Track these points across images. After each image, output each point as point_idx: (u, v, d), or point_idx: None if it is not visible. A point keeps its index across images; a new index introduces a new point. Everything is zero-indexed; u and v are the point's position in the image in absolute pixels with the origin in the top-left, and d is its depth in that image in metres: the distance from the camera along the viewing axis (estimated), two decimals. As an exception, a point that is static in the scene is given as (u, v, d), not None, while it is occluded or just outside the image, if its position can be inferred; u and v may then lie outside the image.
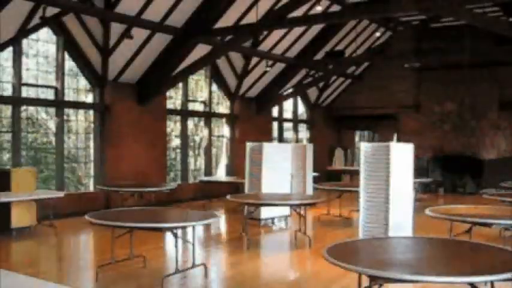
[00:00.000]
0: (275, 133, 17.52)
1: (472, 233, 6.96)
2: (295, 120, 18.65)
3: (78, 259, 7.73)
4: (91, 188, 11.80)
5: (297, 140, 18.18)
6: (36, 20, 9.54)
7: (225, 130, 15.57)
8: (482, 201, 9.51)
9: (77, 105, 11.71)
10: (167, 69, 11.93)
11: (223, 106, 15.49)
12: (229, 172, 14.99)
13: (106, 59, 11.12)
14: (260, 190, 9.70)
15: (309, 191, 11.84)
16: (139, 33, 10.84)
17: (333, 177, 17.14)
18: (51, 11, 9.39)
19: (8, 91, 10.39)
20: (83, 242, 8.83)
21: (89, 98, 11.89)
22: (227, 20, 11.80)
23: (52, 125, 11.52)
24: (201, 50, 12.05)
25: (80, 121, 12.08)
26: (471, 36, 14.01)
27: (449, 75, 16.68)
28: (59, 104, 11.12)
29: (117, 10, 10.21)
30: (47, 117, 11.87)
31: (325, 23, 14.36)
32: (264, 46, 14.14)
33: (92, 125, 11.96)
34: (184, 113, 14.13)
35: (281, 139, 17.70)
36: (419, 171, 12.54)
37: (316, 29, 15.00)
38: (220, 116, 15.41)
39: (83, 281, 6.20)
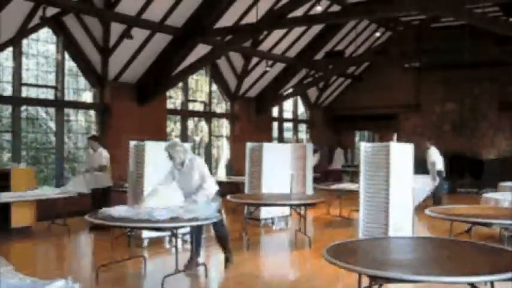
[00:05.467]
0: (275, 133, 17.51)
1: (471, 233, 6.97)
2: (295, 120, 18.65)
3: (78, 259, 7.73)
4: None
5: (297, 140, 18.18)
6: (36, 20, 9.54)
7: (225, 130, 15.57)
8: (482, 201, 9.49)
9: (77, 105, 11.72)
10: (167, 69, 11.93)
11: (223, 106, 15.49)
12: (229, 172, 14.98)
13: (106, 59, 11.12)
14: (260, 190, 9.69)
15: (309, 191, 11.83)
16: (139, 33, 10.84)
17: (333, 177, 17.13)
18: (51, 11, 9.40)
19: (8, 91, 10.39)
20: (83, 242, 8.82)
21: (89, 98, 11.89)
22: (227, 20, 11.80)
23: (52, 125, 11.53)
24: (201, 50, 12.05)
25: (80, 121, 12.09)
26: (471, 36, 14.01)
27: (449, 75, 16.68)
28: (59, 104, 11.12)
29: (117, 10, 10.21)
30: (47, 117, 11.87)
31: (325, 23, 14.36)
32: (264, 46, 14.15)
33: (92, 125, 11.96)
34: (184, 113, 14.14)
35: (281, 139, 17.69)
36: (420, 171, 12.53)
37: (316, 29, 15.00)
38: (220, 116, 15.41)
39: (83, 281, 6.19)
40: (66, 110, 11.41)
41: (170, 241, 7.71)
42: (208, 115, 14.86)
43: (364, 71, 18.83)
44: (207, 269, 6.37)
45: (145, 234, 7.62)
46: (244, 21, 12.23)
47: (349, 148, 19.73)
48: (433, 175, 12.04)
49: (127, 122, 11.85)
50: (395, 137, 17.79)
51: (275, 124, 17.57)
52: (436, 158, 12.47)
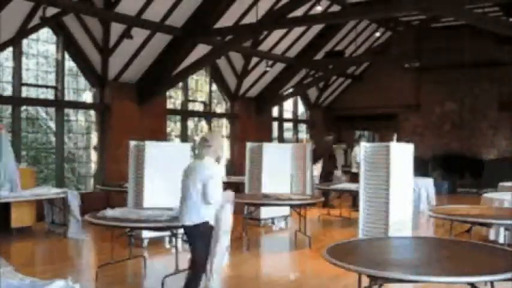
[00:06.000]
0: (275, 133, 17.51)
1: (472, 233, 6.96)
2: (295, 120, 18.65)
3: (78, 259, 7.74)
4: (91, 188, 11.80)
5: (297, 140, 18.17)
6: (36, 20, 9.53)
7: (225, 130, 15.57)
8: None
9: (77, 105, 11.71)
10: (167, 69, 11.93)
11: (223, 106, 15.49)
12: (229, 172, 14.98)
13: (106, 59, 11.12)
14: (260, 190, 9.69)
15: (309, 191, 11.84)
16: (139, 33, 10.84)
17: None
18: (51, 11, 9.39)
19: (8, 91, 10.39)
20: (83, 242, 8.81)
21: (89, 98, 11.89)
22: (227, 20, 11.80)
23: (52, 125, 11.52)
24: (201, 50, 12.05)
25: (80, 121, 12.09)
26: (471, 36, 14.02)
27: (449, 75, 16.68)
28: (59, 104, 11.12)
29: (117, 10, 10.20)
30: (47, 117, 11.86)
31: (325, 23, 14.35)
32: (264, 46, 14.14)
33: (92, 125, 11.96)
34: (184, 113, 14.13)
35: (281, 139, 17.69)
36: (420, 171, 12.54)
37: (316, 29, 14.99)
38: (220, 116, 15.41)
39: (83, 281, 6.19)
40: (66, 110, 11.40)
41: (170, 241, 7.71)
42: (208, 115, 14.86)
43: (364, 71, 18.82)
44: (207, 269, 6.36)
45: (145, 234, 7.62)
46: (244, 21, 12.22)
47: (349, 148, 19.70)
48: None
49: (127, 122, 11.84)
50: (395, 137, 17.79)
51: (275, 124, 17.56)
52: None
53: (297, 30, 14.34)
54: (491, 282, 3.83)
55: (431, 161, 17.06)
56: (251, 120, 15.73)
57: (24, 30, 9.71)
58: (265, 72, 15.08)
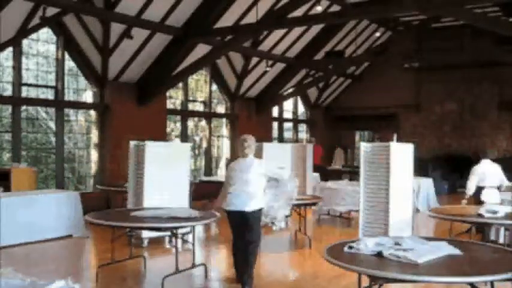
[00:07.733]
0: (275, 133, 17.51)
1: (472, 233, 6.97)
2: (295, 120, 18.65)
3: (78, 259, 7.74)
4: (91, 188, 11.80)
5: (297, 140, 18.17)
6: (36, 20, 9.54)
7: (225, 130, 15.57)
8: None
9: (77, 105, 11.72)
10: (167, 69, 11.93)
11: (223, 106, 15.49)
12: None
13: (106, 59, 11.12)
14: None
15: (309, 191, 11.82)
16: (139, 33, 10.84)
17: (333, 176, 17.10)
18: (51, 11, 9.39)
19: (8, 91, 10.40)
20: (83, 242, 8.81)
21: (89, 98, 11.89)
22: (227, 20, 11.80)
23: (52, 125, 11.53)
24: (201, 50, 12.05)
25: (80, 121, 12.09)
26: (471, 36, 14.01)
27: (449, 75, 16.68)
28: (59, 104, 11.12)
29: (117, 10, 10.21)
30: (47, 117, 11.87)
31: (325, 23, 14.36)
32: (264, 46, 14.14)
33: (92, 125, 11.96)
34: (184, 113, 14.14)
35: (281, 139, 17.69)
36: (420, 171, 12.54)
37: (316, 29, 15.00)
38: (220, 116, 15.41)
39: (83, 281, 6.20)
40: (66, 110, 11.41)
41: (170, 241, 7.71)
42: (208, 115, 14.86)
43: (364, 71, 18.82)
44: (207, 269, 6.37)
45: (145, 234, 7.62)
46: (244, 21, 12.23)
47: (349, 148, 19.72)
48: None
49: (127, 122, 11.83)
50: (395, 137, 17.79)
51: (275, 124, 17.56)
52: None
53: (297, 30, 14.34)
54: (491, 282, 3.83)
55: (431, 161, 17.05)
56: (251, 120, 15.73)
57: (24, 30, 9.71)
58: (265, 72, 15.08)
